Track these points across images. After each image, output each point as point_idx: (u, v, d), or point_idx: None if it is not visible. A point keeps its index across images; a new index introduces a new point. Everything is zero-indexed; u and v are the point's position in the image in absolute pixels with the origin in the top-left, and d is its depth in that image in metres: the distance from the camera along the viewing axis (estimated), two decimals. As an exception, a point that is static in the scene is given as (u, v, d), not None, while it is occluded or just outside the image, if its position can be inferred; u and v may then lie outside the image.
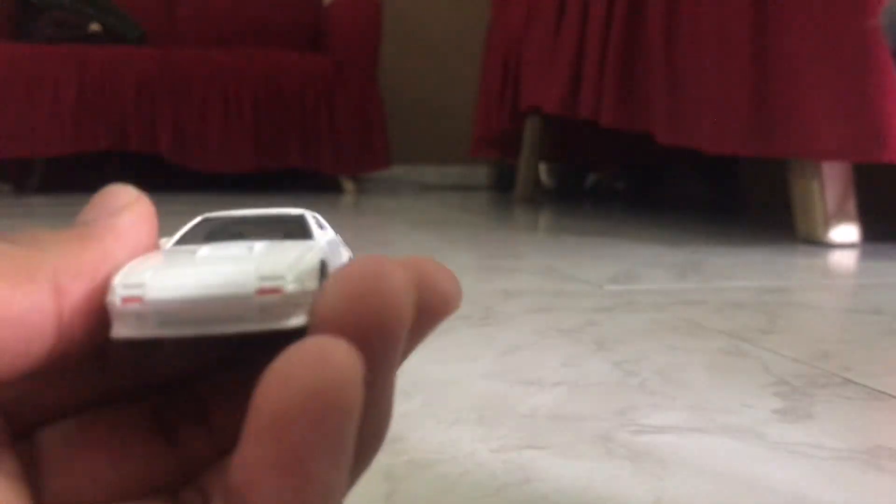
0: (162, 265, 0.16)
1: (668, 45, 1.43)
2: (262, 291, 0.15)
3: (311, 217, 0.19)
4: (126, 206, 0.17)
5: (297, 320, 0.15)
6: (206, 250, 0.17)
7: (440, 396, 0.47)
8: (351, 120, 2.44)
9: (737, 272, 0.97)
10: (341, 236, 0.19)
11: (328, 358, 0.13)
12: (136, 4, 2.54)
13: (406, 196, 2.39)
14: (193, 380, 0.19)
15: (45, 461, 0.17)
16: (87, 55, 2.21)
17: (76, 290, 0.15)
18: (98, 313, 0.15)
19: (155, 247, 0.18)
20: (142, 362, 0.19)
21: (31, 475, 0.16)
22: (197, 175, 2.47)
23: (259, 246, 0.17)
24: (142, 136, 2.24)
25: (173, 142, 2.26)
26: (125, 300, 0.15)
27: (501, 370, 0.53)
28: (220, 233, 0.19)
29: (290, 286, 0.15)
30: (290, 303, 0.15)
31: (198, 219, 0.19)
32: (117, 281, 0.15)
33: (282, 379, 0.13)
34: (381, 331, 0.14)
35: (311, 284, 0.15)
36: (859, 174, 1.29)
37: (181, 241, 0.18)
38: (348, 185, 2.53)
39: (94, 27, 2.34)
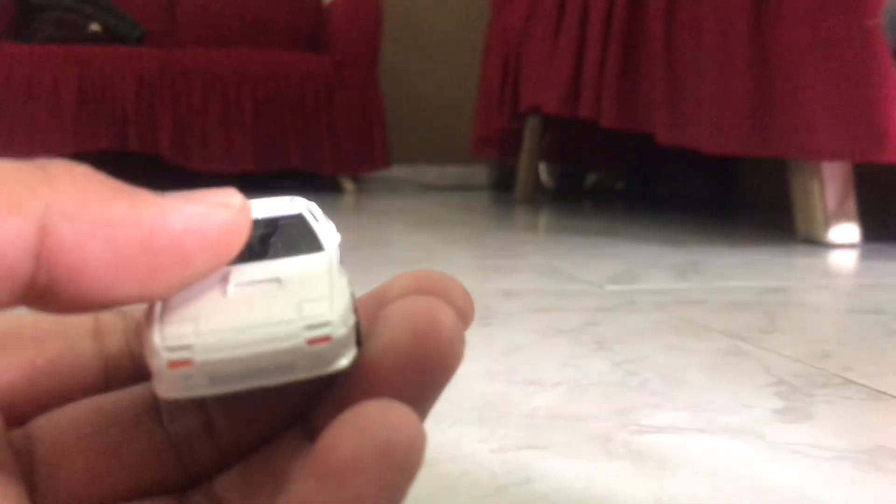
0: (199, 312, 0.15)
1: (668, 45, 1.43)
2: (312, 341, 0.15)
3: (309, 213, 0.19)
4: (211, 203, 0.15)
5: (344, 361, 0.15)
6: (232, 285, 0.16)
7: (440, 396, 0.47)
8: (351, 120, 2.44)
9: (737, 272, 0.97)
10: (341, 236, 0.19)
11: (403, 421, 0.14)
12: (137, 4, 2.54)
13: (406, 196, 2.39)
14: None
15: (40, 455, 0.16)
16: (87, 55, 2.21)
17: (66, 234, 0.13)
18: (87, 269, 0.13)
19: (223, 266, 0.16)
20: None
21: (27, 470, 0.16)
22: (197, 175, 2.47)
23: (286, 274, 0.16)
24: (142, 136, 2.24)
25: (173, 142, 2.26)
26: (172, 364, 0.14)
27: (501, 370, 0.53)
28: None
29: (339, 331, 0.15)
30: (338, 345, 0.15)
31: None
32: (157, 340, 0.14)
33: (357, 431, 0.13)
34: (441, 370, 0.15)
35: (351, 320, 0.16)
36: (859, 174, 1.29)
37: None
38: (348, 185, 2.53)
39: (94, 27, 2.34)
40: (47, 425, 0.16)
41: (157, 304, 0.15)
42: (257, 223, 0.18)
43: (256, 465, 0.17)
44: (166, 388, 0.14)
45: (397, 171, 2.98)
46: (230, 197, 0.15)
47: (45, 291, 0.13)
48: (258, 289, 0.16)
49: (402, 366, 0.15)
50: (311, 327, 0.15)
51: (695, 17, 1.36)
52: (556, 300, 0.77)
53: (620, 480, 0.36)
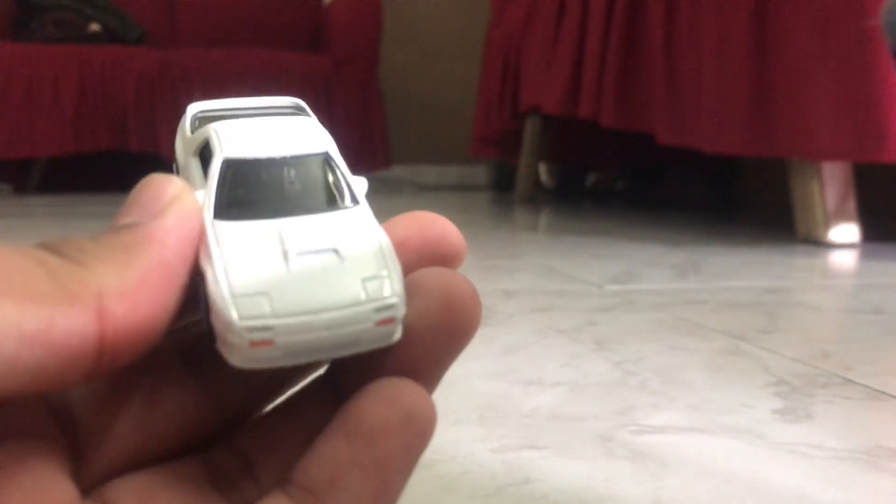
0: (269, 287, 0.15)
1: (668, 44, 1.43)
2: (380, 322, 0.16)
3: (333, 147, 0.19)
4: (170, 204, 0.16)
5: (398, 334, 0.17)
6: (292, 254, 0.16)
7: (440, 396, 0.47)
8: (351, 120, 2.44)
9: (737, 272, 0.97)
10: None
11: (421, 395, 0.16)
12: (137, 4, 2.53)
13: (406, 196, 2.39)
14: None
15: (78, 414, 0.17)
16: (87, 55, 2.21)
17: (120, 312, 0.14)
18: (143, 330, 0.15)
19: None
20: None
21: (69, 430, 0.16)
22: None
23: (341, 243, 0.17)
24: (142, 135, 2.24)
25: (173, 142, 2.26)
26: (254, 344, 0.15)
27: (501, 370, 0.53)
28: (257, 187, 0.17)
29: (401, 312, 0.16)
30: (398, 323, 0.17)
31: (220, 158, 0.17)
32: (235, 318, 0.15)
33: (384, 400, 0.16)
34: (465, 334, 0.18)
35: (404, 294, 0.17)
36: (859, 174, 1.29)
37: (221, 204, 0.17)
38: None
39: (94, 27, 2.34)
40: (84, 389, 0.17)
41: (218, 265, 0.16)
42: (284, 160, 0.18)
43: (283, 423, 0.18)
44: (242, 360, 0.15)
45: (397, 172, 2.98)
46: (170, 186, 0.16)
47: (110, 365, 0.15)
48: (319, 260, 0.16)
49: (432, 333, 0.17)
50: (379, 310, 0.16)
51: (695, 16, 1.36)
52: (556, 300, 0.77)
53: (620, 480, 0.36)
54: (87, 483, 0.16)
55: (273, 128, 0.18)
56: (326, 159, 0.18)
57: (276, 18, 2.68)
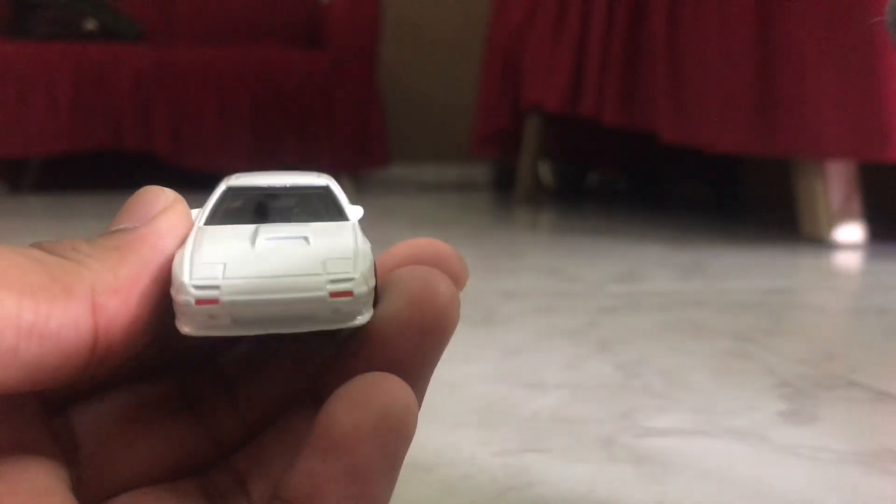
0: (228, 259, 0.16)
1: (672, 43, 1.43)
2: (335, 294, 0.16)
3: (336, 186, 0.19)
4: (163, 212, 0.17)
5: (362, 318, 0.16)
6: (261, 239, 0.17)
7: (440, 399, 0.46)
8: (349, 118, 2.44)
9: (740, 273, 0.96)
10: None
11: (395, 391, 0.15)
12: (134, 2, 2.53)
13: (406, 195, 2.38)
14: (217, 354, 0.20)
15: (81, 438, 0.17)
16: (83, 53, 2.20)
17: (113, 306, 0.15)
18: (135, 326, 0.15)
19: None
20: (169, 342, 0.19)
21: (70, 452, 0.17)
22: (193, 173, 2.46)
23: (313, 235, 0.17)
24: (138, 134, 2.24)
25: (170, 140, 2.25)
26: (199, 301, 0.15)
27: (502, 372, 0.52)
28: (252, 206, 0.18)
29: (360, 288, 0.16)
30: (358, 302, 0.16)
31: (222, 187, 0.19)
32: (186, 279, 0.15)
33: (354, 403, 0.15)
34: (438, 334, 0.17)
35: (372, 282, 0.16)
36: (864, 173, 1.29)
37: (213, 216, 0.18)
38: (347, 184, 2.53)
39: (91, 25, 2.33)
40: (85, 412, 0.18)
41: (188, 249, 0.16)
42: (286, 190, 0.19)
43: (271, 439, 0.19)
44: (191, 325, 0.15)
45: (396, 170, 2.97)
46: (163, 196, 0.17)
47: (104, 358, 0.15)
48: (285, 244, 0.17)
49: (403, 332, 0.17)
50: (334, 281, 0.16)
51: (698, 13, 1.35)
52: (558, 301, 0.77)
53: (623, 484, 0.35)
54: (86, 502, 0.17)
55: (280, 176, 0.19)
56: (327, 194, 0.19)
57: (274, 16, 2.67)
